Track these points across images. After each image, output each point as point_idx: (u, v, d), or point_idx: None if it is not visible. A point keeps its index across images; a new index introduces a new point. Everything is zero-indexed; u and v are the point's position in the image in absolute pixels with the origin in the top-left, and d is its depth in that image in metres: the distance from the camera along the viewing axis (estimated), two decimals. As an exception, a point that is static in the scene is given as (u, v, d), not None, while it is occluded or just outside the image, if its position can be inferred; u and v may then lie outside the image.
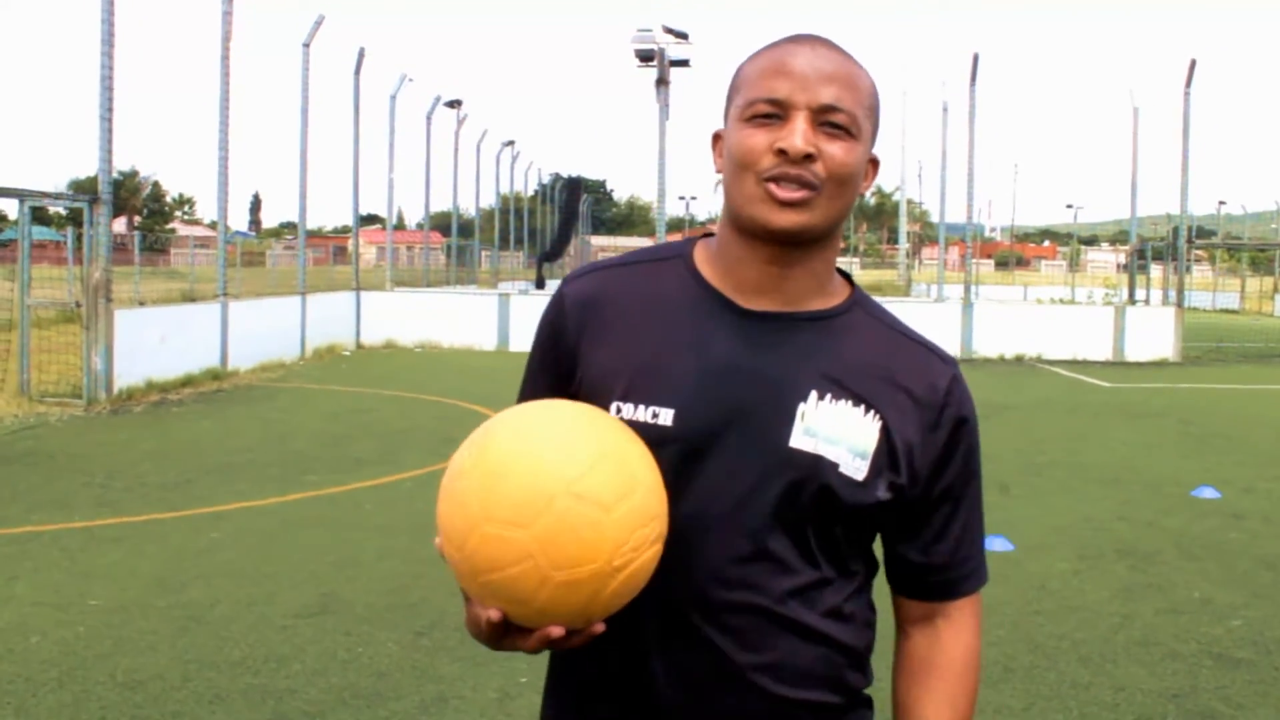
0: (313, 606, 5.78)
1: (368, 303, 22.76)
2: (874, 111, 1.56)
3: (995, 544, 7.11)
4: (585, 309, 1.62)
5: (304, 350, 19.62)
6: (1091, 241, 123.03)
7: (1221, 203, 65.06)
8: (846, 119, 1.50)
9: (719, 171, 1.59)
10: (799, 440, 1.52)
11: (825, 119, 1.49)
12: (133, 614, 5.62)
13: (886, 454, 1.55)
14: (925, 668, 1.64)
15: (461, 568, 1.41)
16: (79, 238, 15.30)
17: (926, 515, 1.62)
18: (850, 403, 1.54)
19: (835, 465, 1.51)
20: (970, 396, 1.64)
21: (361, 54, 23.30)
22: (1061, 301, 33.31)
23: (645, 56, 22.44)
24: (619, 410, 1.54)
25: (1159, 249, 33.20)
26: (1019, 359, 21.80)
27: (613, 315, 1.60)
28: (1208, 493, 8.93)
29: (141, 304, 18.46)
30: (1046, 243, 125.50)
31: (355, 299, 22.58)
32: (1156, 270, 34.90)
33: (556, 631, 1.40)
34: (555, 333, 1.64)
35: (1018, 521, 7.85)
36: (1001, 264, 79.94)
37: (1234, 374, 20.12)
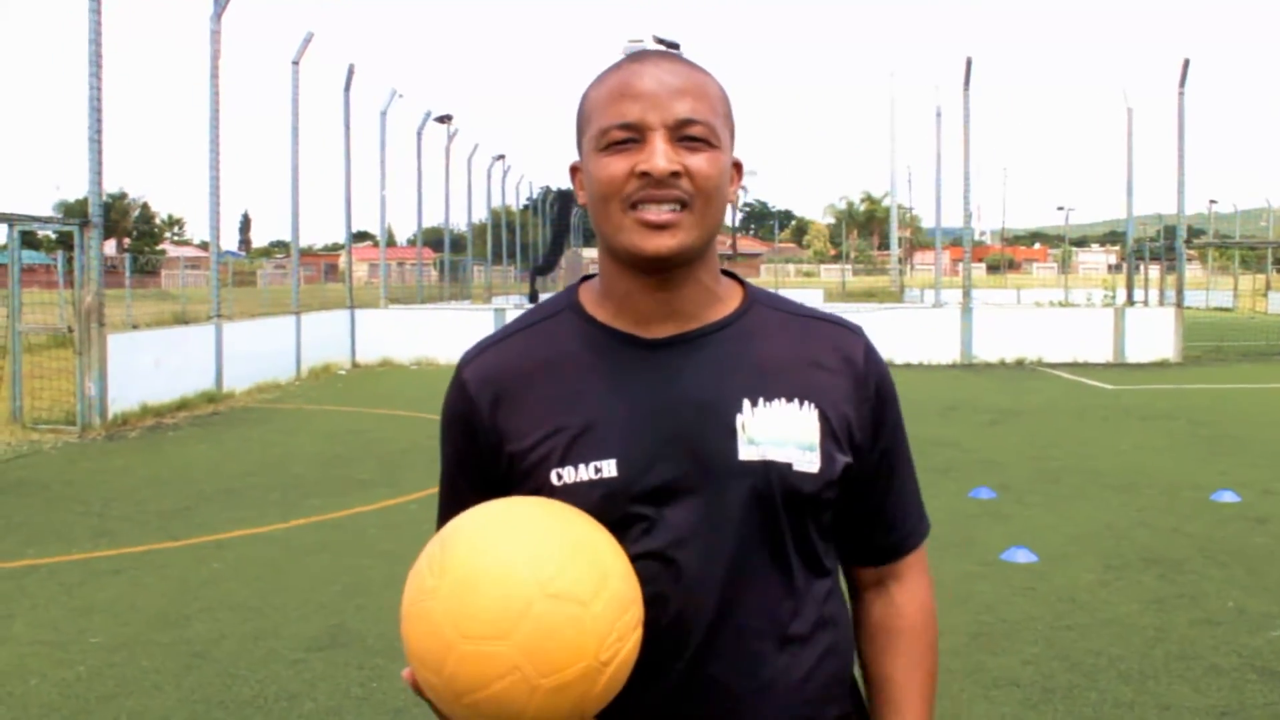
0: (322, 639, 5.59)
1: (362, 320, 22.57)
2: (729, 117, 1.54)
3: (1019, 555, 6.94)
4: (490, 386, 1.56)
5: (299, 370, 19.42)
6: (1081, 243, 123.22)
7: (1213, 201, 65.06)
8: (704, 130, 1.47)
9: (582, 205, 1.56)
10: (746, 452, 1.49)
11: (683, 134, 1.46)
12: (135, 651, 5.42)
13: (831, 438, 1.54)
14: (886, 634, 1.65)
15: (442, 693, 1.33)
16: (69, 261, 15.09)
17: (868, 484, 1.61)
18: (783, 400, 1.52)
19: (789, 465, 1.50)
20: (882, 359, 1.64)
21: (351, 71, 23.14)
22: (1060, 304, 33.19)
23: (636, 67, 22.29)
24: (560, 477, 1.49)
25: (1154, 249, 33.14)
26: (1019, 363, 21.67)
27: (522, 388, 1.55)
28: (1227, 496, 8.76)
29: (134, 327, 18.23)
30: (1037, 245, 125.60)
31: (350, 317, 22.39)
32: (1151, 270, 34.82)
33: None
34: (466, 418, 1.58)
35: (1038, 531, 7.68)
36: (993, 268, 79.87)
37: (1236, 373, 19.99)
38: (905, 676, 1.64)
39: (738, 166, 1.57)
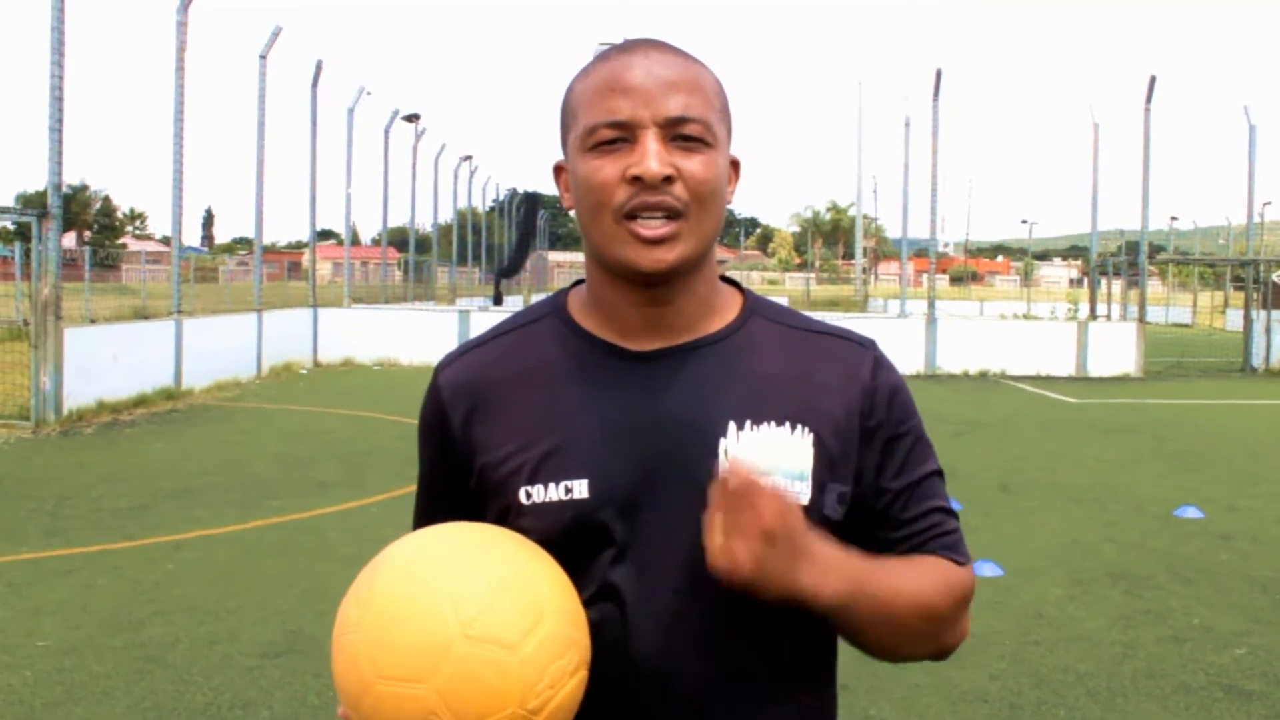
0: (279, 645, 5.46)
1: (325, 319, 22.34)
2: (725, 112, 1.42)
3: (985, 569, 6.90)
4: (465, 395, 1.46)
5: (260, 368, 19.18)
6: (1044, 257, 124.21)
7: (1174, 218, 65.74)
8: (700, 129, 1.36)
9: (569, 208, 1.44)
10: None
11: (677, 133, 1.35)
12: (85, 656, 5.27)
13: (827, 467, 1.40)
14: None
15: None
16: (27, 253, 14.82)
17: (875, 520, 1.45)
18: (774, 424, 1.39)
19: None
20: (896, 371, 1.49)
21: (319, 66, 22.92)
22: (1024, 317, 33.39)
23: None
24: (528, 495, 1.39)
25: (1117, 265, 33.41)
26: (982, 375, 21.74)
27: (497, 396, 1.45)
28: (1191, 512, 8.78)
29: (92, 321, 17.97)
30: (1000, 258, 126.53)
31: (312, 316, 22.15)
32: (1113, 285, 35.09)
33: None
34: (439, 426, 1.48)
35: (1004, 544, 7.65)
36: (956, 279, 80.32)
37: (1197, 389, 20.14)
38: (895, 561, 1.42)
39: (735, 165, 1.45)
